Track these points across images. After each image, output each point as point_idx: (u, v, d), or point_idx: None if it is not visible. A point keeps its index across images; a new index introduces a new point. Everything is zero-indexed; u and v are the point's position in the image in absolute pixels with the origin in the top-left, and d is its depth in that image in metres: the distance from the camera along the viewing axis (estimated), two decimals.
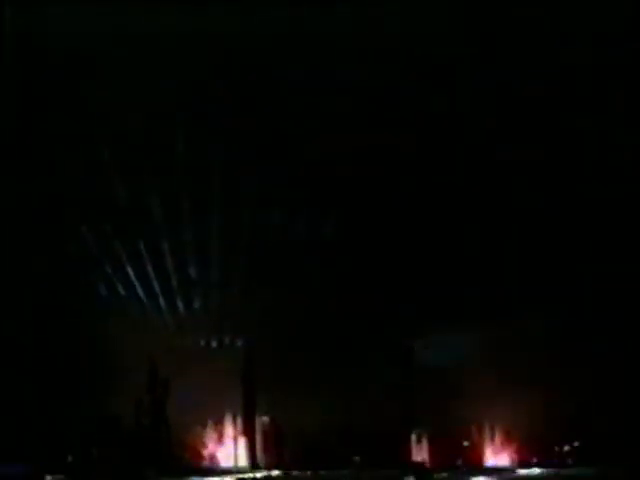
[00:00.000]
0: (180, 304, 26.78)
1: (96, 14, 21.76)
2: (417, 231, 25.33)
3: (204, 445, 28.35)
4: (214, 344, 27.96)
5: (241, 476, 26.87)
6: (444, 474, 27.11)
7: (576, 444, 29.18)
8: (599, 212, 25.38)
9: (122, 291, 26.56)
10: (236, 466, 28.26)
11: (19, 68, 22.86)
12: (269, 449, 28.59)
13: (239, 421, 28.48)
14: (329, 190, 24.07)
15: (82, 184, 25.06)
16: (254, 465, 28.35)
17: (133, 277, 26.20)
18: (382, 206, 24.76)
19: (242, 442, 28.62)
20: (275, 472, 27.61)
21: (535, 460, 28.95)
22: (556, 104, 24.26)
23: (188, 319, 27.26)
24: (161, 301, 26.72)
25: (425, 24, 21.66)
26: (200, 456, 28.19)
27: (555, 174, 25.35)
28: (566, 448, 29.26)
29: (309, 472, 27.70)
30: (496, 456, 29.16)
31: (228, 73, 22.77)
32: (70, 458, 27.11)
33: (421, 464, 28.33)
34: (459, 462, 28.87)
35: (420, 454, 28.90)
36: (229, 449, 28.49)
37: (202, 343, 27.71)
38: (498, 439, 29.01)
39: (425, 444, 28.87)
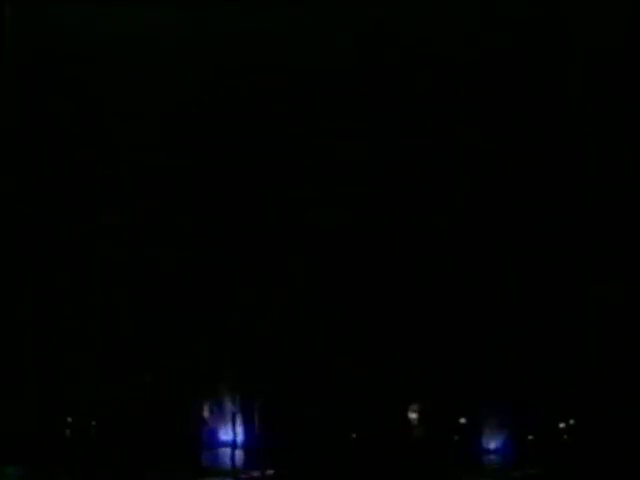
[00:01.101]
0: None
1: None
2: None
3: (204, 420, 28.58)
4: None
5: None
6: None
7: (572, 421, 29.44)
8: None
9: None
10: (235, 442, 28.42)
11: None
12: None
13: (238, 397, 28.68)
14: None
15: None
16: (250, 442, 28.51)
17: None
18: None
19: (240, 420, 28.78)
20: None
21: (531, 437, 29.22)
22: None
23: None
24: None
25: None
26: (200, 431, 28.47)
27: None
28: (561, 425, 29.51)
29: None
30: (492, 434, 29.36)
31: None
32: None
33: None
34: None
35: None
36: (228, 424, 28.65)
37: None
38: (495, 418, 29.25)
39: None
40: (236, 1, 21.64)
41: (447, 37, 22.39)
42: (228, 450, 28.29)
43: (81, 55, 23.12)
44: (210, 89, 23.59)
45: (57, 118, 24.49)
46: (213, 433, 28.58)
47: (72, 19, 22.17)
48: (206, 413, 28.61)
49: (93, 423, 28.42)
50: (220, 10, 21.46)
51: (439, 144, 23.94)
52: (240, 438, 28.42)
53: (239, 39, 22.07)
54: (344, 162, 24.05)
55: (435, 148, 24.05)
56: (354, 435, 28.84)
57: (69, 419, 28.23)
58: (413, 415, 29.06)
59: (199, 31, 22.03)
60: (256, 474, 28.10)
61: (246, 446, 28.40)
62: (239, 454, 28.25)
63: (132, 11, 21.75)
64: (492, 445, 29.09)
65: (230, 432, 28.38)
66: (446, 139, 24.20)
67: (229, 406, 28.46)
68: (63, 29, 22.26)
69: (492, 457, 28.77)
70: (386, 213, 25.33)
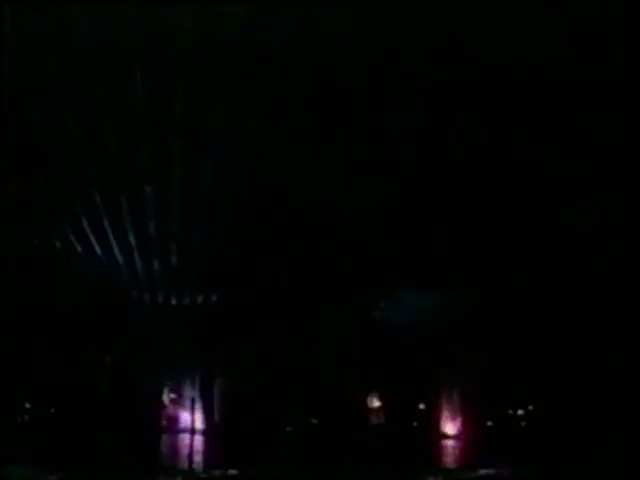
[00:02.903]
0: (138, 260, 26.89)
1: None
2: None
3: (164, 407, 28.47)
4: (173, 302, 28.18)
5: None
6: None
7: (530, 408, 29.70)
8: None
9: (78, 245, 26.68)
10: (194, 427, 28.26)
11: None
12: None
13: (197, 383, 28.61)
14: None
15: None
16: (211, 426, 28.40)
17: (89, 231, 26.32)
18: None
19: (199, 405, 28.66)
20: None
21: (490, 424, 29.41)
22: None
23: (147, 275, 27.43)
24: (119, 257, 26.82)
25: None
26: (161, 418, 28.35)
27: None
28: (520, 412, 29.75)
29: None
30: (452, 420, 29.50)
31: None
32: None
33: None
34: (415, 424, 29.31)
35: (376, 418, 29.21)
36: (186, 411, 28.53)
37: (160, 300, 27.92)
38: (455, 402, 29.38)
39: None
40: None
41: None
42: (187, 436, 28.12)
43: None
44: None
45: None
46: (172, 419, 28.48)
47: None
48: (165, 398, 28.51)
49: (52, 410, 28.21)
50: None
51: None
52: (199, 424, 28.30)
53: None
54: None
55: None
56: (314, 421, 28.91)
57: (27, 405, 28.06)
58: (374, 401, 29.15)
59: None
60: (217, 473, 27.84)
61: (205, 432, 28.28)
62: (198, 440, 28.09)
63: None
64: (451, 431, 29.25)
65: (189, 418, 28.27)
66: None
67: (188, 391, 28.40)
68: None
69: (450, 443, 28.88)
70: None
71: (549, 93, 23.50)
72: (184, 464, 26.71)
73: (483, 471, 26.25)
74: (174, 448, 27.92)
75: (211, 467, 26.77)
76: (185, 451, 27.44)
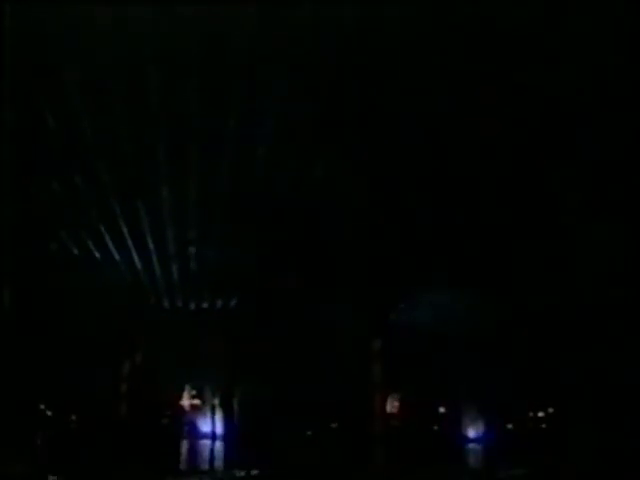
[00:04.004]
0: (157, 265, 27.03)
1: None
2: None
3: (184, 412, 28.64)
4: (192, 306, 28.36)
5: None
6: None
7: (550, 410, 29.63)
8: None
9: (95, 251, 26.83)
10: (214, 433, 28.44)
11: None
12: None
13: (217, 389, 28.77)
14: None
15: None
16: (229, 434, 28.55)
17: (107, 237, 26.45)
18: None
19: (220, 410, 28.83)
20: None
21: (511, 427, 29.38)
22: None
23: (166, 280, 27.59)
24: (136, 261, 26.94)
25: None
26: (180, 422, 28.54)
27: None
28: (540, 414, 29.70)
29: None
30: (472, 423, 29.46)
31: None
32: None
33: None
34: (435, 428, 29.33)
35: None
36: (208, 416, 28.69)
37: (179, 305, 28.10)
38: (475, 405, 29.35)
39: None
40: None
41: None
42: (208, 442, 28.30)
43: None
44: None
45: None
46: (193, 424, 28.63)
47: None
48: (186, 404, 28.68)
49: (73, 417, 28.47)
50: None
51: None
52: (219, 430, 28.46)
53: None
54: None
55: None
56: (334, 425, 28.98)
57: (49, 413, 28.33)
58: (393, 405, 29.17)
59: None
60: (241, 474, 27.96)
61: (225, 438, 28.43)
62: (218, 446, 28.26)
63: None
64: (472, 434, 29.20)
65: (210, 424, 28.44)
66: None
67: (209, 398, 28.56)
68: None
69: (472, 446, 28.85)
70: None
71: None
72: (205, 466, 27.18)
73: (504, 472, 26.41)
74: (194, 453, 28.18)
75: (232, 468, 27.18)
76: (206, 455, 27.78)
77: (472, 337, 28.97)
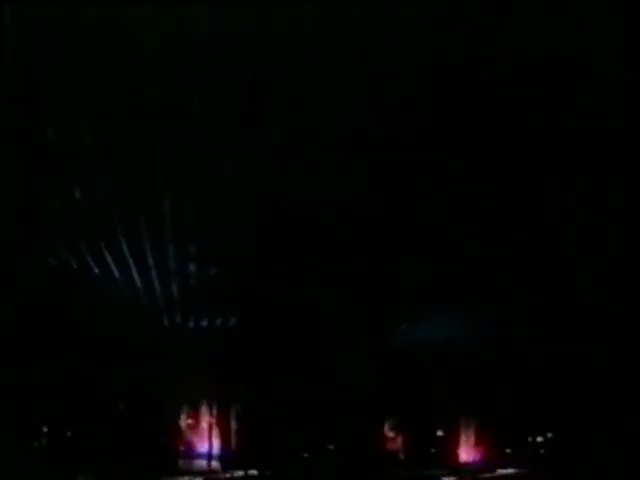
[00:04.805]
0: (157, 283, 26.95)
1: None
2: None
3: (180, 431, 28.43)
4: (191, 324, 28.20)
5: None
6: None
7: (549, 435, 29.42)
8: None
9: (95, 269, 26.76)
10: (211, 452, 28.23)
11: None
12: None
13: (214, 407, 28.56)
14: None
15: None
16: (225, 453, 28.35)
17: (108, 255, 26.43)
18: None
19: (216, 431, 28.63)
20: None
21: (509, 451, 29.13)
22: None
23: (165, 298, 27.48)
24: (137, 279, 26.88)
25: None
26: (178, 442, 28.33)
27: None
28: (539, 439, 29.47)
29: None
30: (470, 447, 29.25)
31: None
32: None
33: None
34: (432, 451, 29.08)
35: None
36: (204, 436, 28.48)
37: (178, 321, 27.96)
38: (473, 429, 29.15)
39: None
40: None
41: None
42: (204, 461, 28.10)
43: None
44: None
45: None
46: (189, 445, 28.39)
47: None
48: (183, 425, 28.46)
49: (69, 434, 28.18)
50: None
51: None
52: (215, 450, 28.24)
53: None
54: None
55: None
56: (331, 447, 28.71)
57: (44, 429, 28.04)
58: (391, 427, 28.96)
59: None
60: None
61: (221, 457, 28.21)
62: (215, 464, 28.06)
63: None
64: (469, 458, 28.97)
65: (206, 444, 28.22)
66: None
67: (205, 418, 28.34)
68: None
69: (469, 469, 28.63)
70: None
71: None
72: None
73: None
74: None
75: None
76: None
77: (470, 360, 28.85)
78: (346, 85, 22.88)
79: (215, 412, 28.49)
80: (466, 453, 29.10)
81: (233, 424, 28.64)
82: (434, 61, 22.81)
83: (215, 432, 28.37)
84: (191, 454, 28.22)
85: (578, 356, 28.03)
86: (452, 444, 29.09)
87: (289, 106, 21.65)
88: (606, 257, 26.11)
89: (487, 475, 27.74)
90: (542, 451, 29.27)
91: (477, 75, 22.84)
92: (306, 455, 28.45)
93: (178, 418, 28.39)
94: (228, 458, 28.22)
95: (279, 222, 24.24)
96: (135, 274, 26.77)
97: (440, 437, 29.25)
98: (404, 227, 24.61)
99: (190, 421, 28.49)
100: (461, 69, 22.94)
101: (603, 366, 27.88)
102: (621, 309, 27.11)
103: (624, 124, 23.70)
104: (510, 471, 27.82)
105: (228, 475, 27.28)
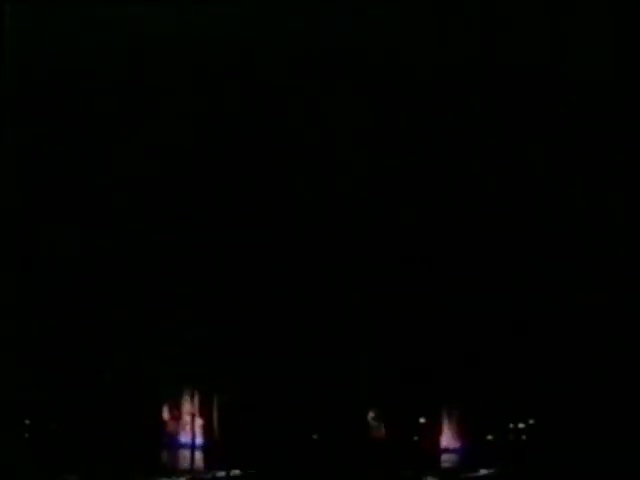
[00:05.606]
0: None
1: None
2: None
3: (163, 423, 28.46)
4: None
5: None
6: None
7: (531, 422, 29.61)
8: None
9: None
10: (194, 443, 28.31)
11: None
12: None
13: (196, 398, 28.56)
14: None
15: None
16: (209, 443, 28.42)
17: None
18: None
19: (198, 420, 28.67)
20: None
21: (490, 437, 29.37)
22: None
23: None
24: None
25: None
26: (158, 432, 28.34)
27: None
28: (521, 425, 29.67)
29: None
30: (452, 434, 29.48)
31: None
32: None
33: None
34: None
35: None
36: (187, 426, 28.52)
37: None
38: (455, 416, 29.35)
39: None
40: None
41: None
42: (187, 452, 28.16)
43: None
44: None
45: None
46: (171, 435, 28.44)
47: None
48: (164, 414, 28.46)
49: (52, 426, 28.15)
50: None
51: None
52: (199, 440, 28.30)
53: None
54: None
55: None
56: (315, 436, 28.84)
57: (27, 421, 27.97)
58: (374, 415, 29.08)
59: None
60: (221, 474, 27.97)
61: (205, 447, 28.29)
62: (198, 455, 28.13)
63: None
64: (451, 445, 29.22)
65: (188, 434, 28.26)
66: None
67: (187, 407, 28.33)
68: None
69: (451, 457, 28.90)
70: None
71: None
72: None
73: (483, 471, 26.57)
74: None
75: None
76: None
77: (452, 345, 28.86)
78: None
79: (197, 402, 28.50)
80: (447, 440, 29.37)
81: (215, 413, 28.69)
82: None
83: (198, 422, 28.39)
84: (173, 445, 28.28)
85: (560, 343, 28.12)
86: (434, 431, 29.34)
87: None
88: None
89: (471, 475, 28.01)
90: (523, 437, 29.52)
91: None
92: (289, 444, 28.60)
93: (160, 409, 28.40)
94: (210, 448, 28.32)
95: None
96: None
97: (422, 424, 29.46)
98: None
99: (172, 412, 28.49)
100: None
101: (587, 351, 28.01)
102: (610, 299, 27.13)
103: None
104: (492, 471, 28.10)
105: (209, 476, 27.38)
